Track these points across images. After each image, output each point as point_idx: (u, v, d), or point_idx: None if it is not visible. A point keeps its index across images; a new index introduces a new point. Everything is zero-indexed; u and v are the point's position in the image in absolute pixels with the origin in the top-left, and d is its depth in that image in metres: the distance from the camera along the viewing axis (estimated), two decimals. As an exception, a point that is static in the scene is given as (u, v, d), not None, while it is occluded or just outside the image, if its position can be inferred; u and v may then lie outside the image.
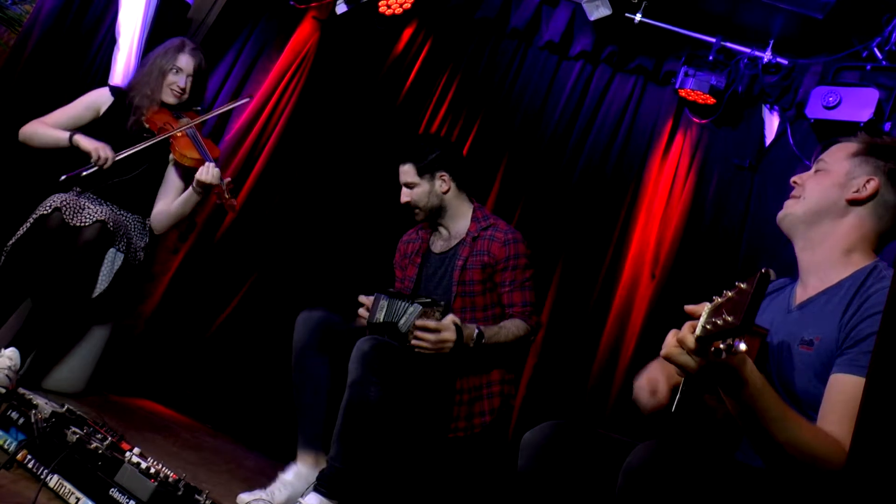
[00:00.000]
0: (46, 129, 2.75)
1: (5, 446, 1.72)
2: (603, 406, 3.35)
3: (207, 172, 2.73)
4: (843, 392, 1.26)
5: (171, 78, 2.89)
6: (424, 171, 2.58)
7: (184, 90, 2.91)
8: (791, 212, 1.55)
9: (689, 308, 1.23)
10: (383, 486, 2.41)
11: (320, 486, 2.13)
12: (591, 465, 1.35)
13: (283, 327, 3.54)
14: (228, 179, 2.81)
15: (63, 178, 2.65)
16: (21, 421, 1.70)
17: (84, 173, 2.66)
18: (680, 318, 3.60)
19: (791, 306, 1.50)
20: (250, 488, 2.31)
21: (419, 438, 2.40)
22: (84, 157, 2.69)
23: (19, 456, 1.63)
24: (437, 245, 2.67)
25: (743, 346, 1.06)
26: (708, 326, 1.11)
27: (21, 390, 1.82)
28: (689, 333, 1.16)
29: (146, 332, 3.55)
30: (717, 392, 1.25)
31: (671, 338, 1.20)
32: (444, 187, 2.59)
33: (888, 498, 0.85)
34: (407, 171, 2.60)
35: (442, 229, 2.68)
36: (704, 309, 1.15)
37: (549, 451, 1.37)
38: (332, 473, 2.13)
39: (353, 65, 3.96)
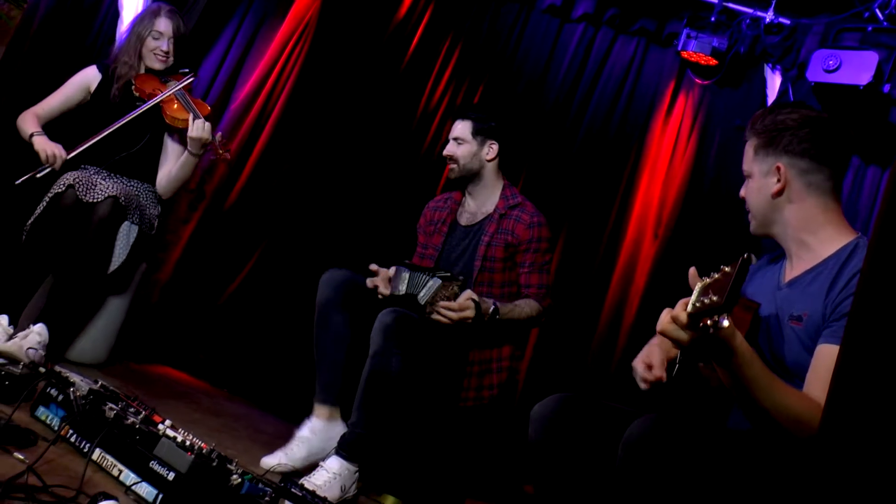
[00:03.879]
0: (24, 123, 2.83)
1: (48, 421, 1.83)
2: (608, 365, 3.47)
3: (197, 128, 2.79)
4: (827, 360, 1.36)
5: (152, 43, 2.92)
6: (480, 132, 2.67)
7: (167, 53, 2.95)
8: (752, 229, 1.67)
9: (692, 270, 1.35)
10: (398, 448, 2.54)
11: (341, 450, 2.25)
12: (597, 435, 1.45)
13: (293, 293, 3.67)
14: (220, 133, 2.90)
15: (17, 181, 2.67)
16: (60, 398, 1.81)
17: (38, 175, 2.69)
18: (682, 277, 3.69)
19: (781, 283, 1.59)
20: (271, 452, 2.44)
21: (432, 406, 2.52)
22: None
23: (62, 431, 1.75)
24: (464, 217, 2.75)
25: (726, 323, 1.19)
26: (697, 304, 1.22)
27: (58, 368, 1.92)
28: (681, 311, 1.26)
29: (161, 300, 3.64)
30: (711, 363, 1.35)
31: (665, 315, 1.30)
32: (490, 155, 2.68)
33: (858, 458, 0.93)
34: (462, 128, 2.69)
35: (470, 200, 2.75)
36: (696, 287, 1.25)
37: (557, 423, 1.47)
38: (353, 439, 2.25)
39: (356, 31, 3.96)
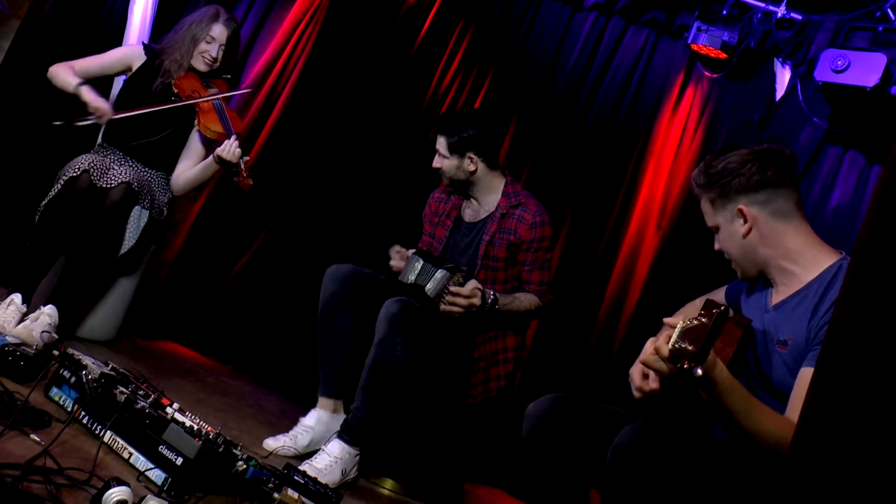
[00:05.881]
0: (64, 73, 2.83)
1: (61, 402, 1.90)
2: (608, 355, 3.52)
3: (228, 151, 2.79)
4: (808, 384, 1.40)
5: (203, 46, 2.95)
6: (454, 149, 2.63)
7: (215, 59, 2.98)
8: (739, 276, 1.71)
9: (667, 320, 1.41)
10: (399, 434, 2.60)
11: (343, 434, 2.31)
12: (589, 436, 1.51)
13: (299, 272, 3.72)
14: (247, 158, 2.89)
15: (56, 122, 2.69)
16: (73, 380, 1.88)
17: (77, 123, 2.72)
18: (684, 270, 3.71)
19: (768, 306, 1.63)
20: (274, 432, 2.51)
21: (439, 401, 2.57)
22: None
23: (75, 413, 1.81)
24: (468, 213, 2.79)
25: (699, 372, 1.25)
26: (677, 345, 1.29)
27: (70, 350, 1.98)
28: (664, 344, 1.32)
29: (169, 278, 3.70)
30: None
31: (649, 346, 1.36)
32: (472, 167, 2.65)
33: (828, 477, 0.98)
34: (440, 143, 2.67)
35: (472, 199, 2.79)
36: (678, 324, 1.31)
37: (550, 423, 1.53)
38: (355, 423, 2.32)
39: (367, 15, 3.96)
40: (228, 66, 3.09)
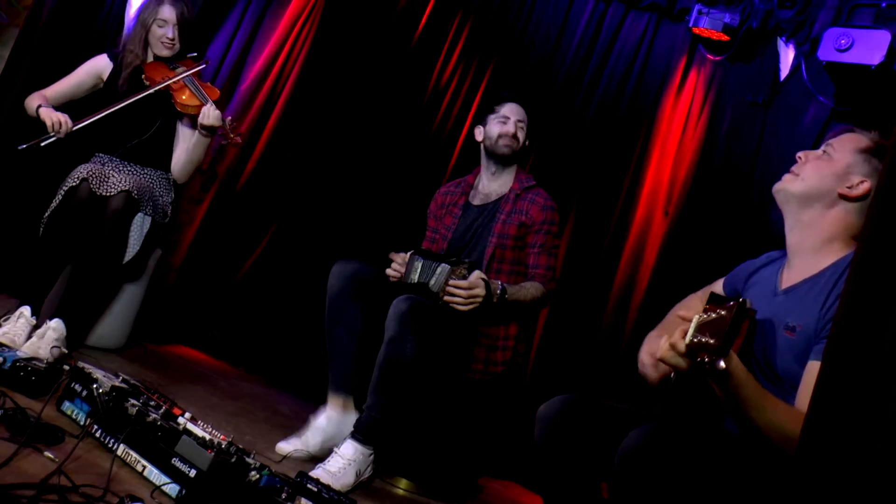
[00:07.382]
0: (30, 100, 2.84)
1: (73, 416, 1.91)
2: (618, 343, 3.51)
3: (207, 115, 2.85)
4: (816, 377, 1.38)
5: (158, 31, 2.96)
6: (529, 127, 2.94)
7: (173, 40, 2.98)
8: (786, 187, 1.61)
9: (681, 314, 1.38)
10: (412, 432, 2.60)
11: (356, 434, 2.31)
12: (600, 437, 1.50)
13: (307, 271, 3.72)
14: (230, 118, 2.95)
15: (21, 146, 2.68)
16: (84, 393, 1.88)
17: (42, 143, 2.71)
18: (692, 255, 3.68)
19: (777, 289, 1.60)
20: (288, 434, 2.51)
21: (443, 380, 2.58)
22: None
23: (88, 427, 1.82)
24: (477, 198, 2.86)
25: (722, 365, 1.23)
26: (694, 340, 1.27)
27: (80, 364, 1.99)
28: (680, 340, 1.31)
29: (177, 282, 3.71)
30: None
31: (665, 342, 1.34)
32: (526, 142, 2.94)
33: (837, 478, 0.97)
34: (523, 114, 2.92)
35: (486, 181, 2.87)
36: (694, 319, 1.29)
37: (562, 425, 1.52)
38: (368, 422, 2.32)
39: (365, 9, 3.94)
40: (191, 45, 3.09)
